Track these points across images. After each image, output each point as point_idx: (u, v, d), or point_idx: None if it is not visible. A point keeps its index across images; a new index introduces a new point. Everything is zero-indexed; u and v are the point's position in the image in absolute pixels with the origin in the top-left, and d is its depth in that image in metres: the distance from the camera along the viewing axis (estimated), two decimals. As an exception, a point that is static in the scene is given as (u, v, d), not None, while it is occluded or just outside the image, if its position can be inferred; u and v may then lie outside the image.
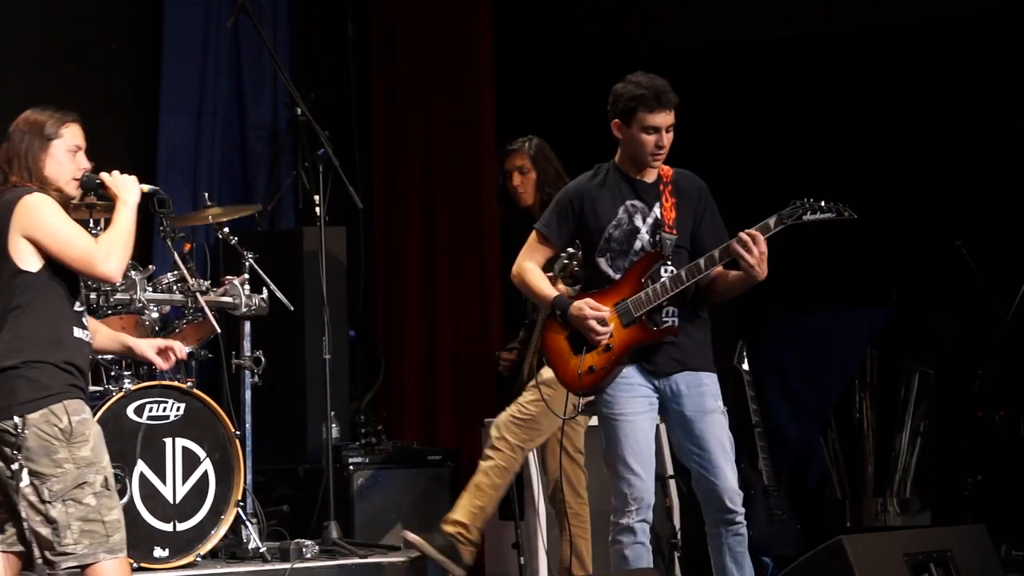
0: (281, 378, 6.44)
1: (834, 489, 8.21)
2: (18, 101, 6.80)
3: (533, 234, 5.01)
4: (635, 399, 4.81)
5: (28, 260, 4.16)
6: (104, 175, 4.34)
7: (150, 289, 5.84)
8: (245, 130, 7.69)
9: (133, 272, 5.81)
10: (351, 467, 6.69)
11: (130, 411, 5.53)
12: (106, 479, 4.15)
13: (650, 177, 4.90)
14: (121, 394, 5.53)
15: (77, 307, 4.27)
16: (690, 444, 4.83)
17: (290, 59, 7.81)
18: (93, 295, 5.73)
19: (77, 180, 4.31)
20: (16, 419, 4.10)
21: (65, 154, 4.29)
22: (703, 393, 4.84)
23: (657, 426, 4.95)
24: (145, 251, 6.94)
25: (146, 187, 4.39)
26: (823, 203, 4.77)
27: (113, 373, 5.82)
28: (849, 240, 7.87)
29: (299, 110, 6.58)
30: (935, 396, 8.09)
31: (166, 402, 5.59)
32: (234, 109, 7.64)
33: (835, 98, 8.04)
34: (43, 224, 4.16)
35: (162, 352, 4.49)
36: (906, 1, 7.77)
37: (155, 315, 5.85)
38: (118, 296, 5.75)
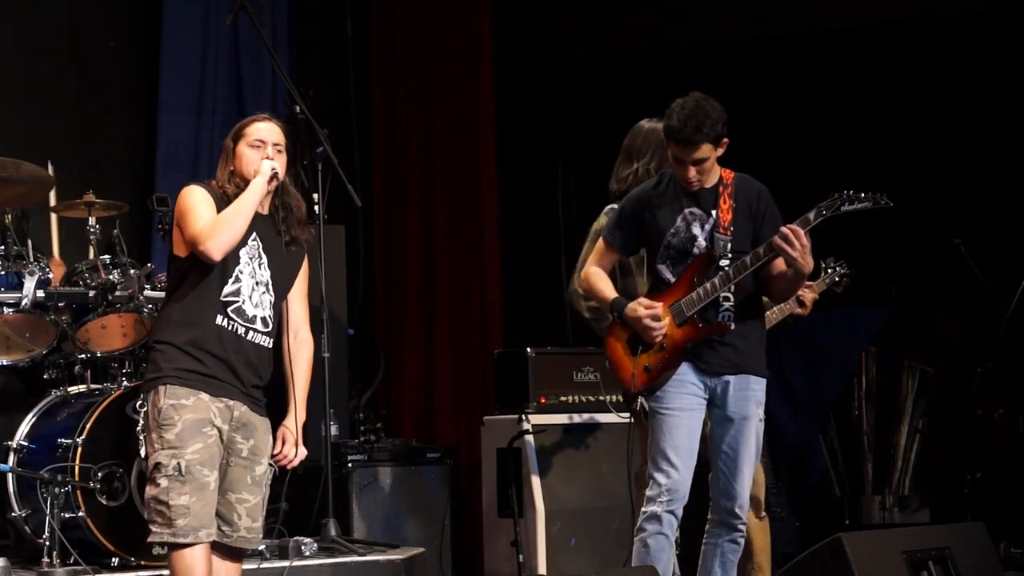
0: (280, 376, 6.42)
1: (833, 487, 8.22)
2: (18, 100, 6.86)
3: (600, 240, 5.10)
4: (684, 396, 4.85)
5: (178, 246, 4.48)
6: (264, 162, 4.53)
7: (149, 287, 5.84)
8: (244, 128, 7.67)
9: (132, 270, 5.82)
10: (350, 465, 6.70)
11: (129, 409, 5.50)
12: (180, 464, 4.31)
13: (710, 182, 4.93)
14: (120, 392, 5.52)
15: (227, 297, 4.43)
16: (722, 444, 4.89)
17: (289, 57, 7.82)
18: (92, 292, 5.73)
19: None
20: (143, 397, 4.47)
21: (248, 149, 4.55)
22: (748, 397, 4.88)
23: None
24: (144, 249, 6.96)
25: (277, 167, 4.52)
26: (862, 193, 4.80)
27: (111, 371, 5.82)
28: (849, 239, 7.87)
29: (298, 108, 6.56)
30: (934, 394, 8.10)
31: (165, 400, 5.57)
32: (233, 107, 7.63)
33: (835, 97, 8.05)
34: (179, 209, 4.47)
35: (284, 442, 4.62)
36: (907, 0, 7.77)
37: (154, 313, 5.83)
38: (117, 294, 5.75)
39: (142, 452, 4.44)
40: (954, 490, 7.31)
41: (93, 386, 5.80)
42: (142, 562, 5.43)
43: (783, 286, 4.93)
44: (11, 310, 5.68)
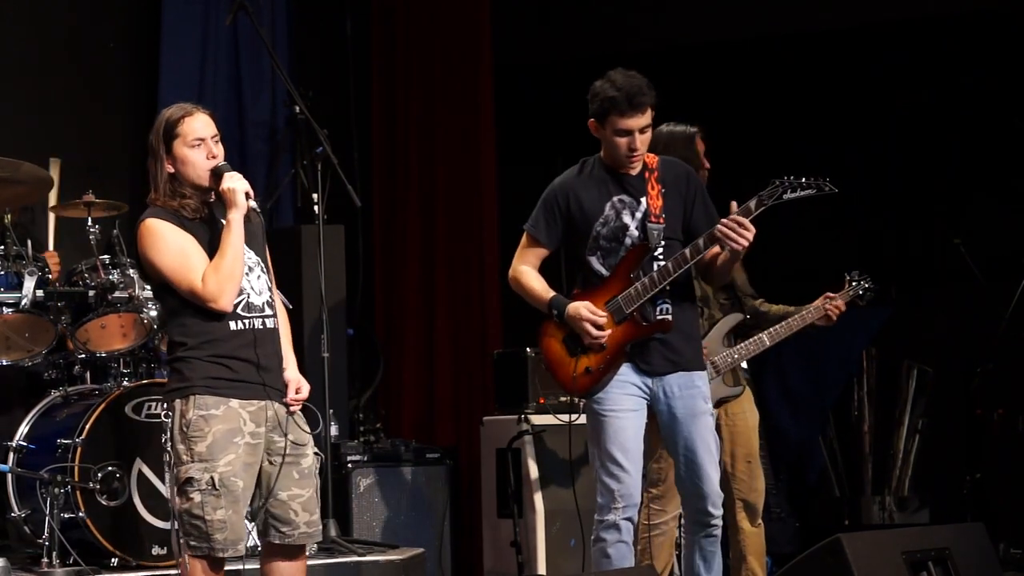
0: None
1: (833, 487, 8.21)
2: (18, 100, 6.86)
3: (524, 236, 4.93)
4: (626, 396, 4.75)
5: (157, 277, 4.33)
6: (226, 172, 4.32)
7: (148, 287, 5.83)
8: (244, 128, 7.69)
9: (132, 270, 5.82)
10: (350, 465, 6.70)
11: (128, 409, 5.52)
12: (213, 478, 4.20)
13: (635, 169, 4.80)
14: (119, 392, 5.53)
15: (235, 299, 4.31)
16: (677, 445, 4.80)
17: (289, 57, 7.81)
18: (92, 292, 5.73)
19: (210, 171, 4.35)
20: (166, 404, 4.30)
21: (190, 152, 4.32)
22: (694, 395, 4.79)
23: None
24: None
25: (252, 202, 4.34)
26: (804, 179, 4.71)
27: (111, 371, 5.82)
28: (848, 238, 7.87)
29: (297, 108, 6.57)
30: (934, 394, 8.09)
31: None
32: (233, 107, 7.63)
33: (835, 97, 8.04)
34: (153, 258, 4.28)
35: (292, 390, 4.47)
36: (908, 0, 7.77)
37: (153, 313, 5.84)
38: (117, 294, 5.75)
39: (166, 457, 4.30)
40: (954, 490, 7.30)
41: (93, 386, 5.80)
42: (140, 562, 5.45)
43: (720, 271, 4.83)
44: (11, 310, 5.69)
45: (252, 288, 4.36)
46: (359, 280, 7.66)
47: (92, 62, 7.30)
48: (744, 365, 5.70)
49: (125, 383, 5.65)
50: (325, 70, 8.17)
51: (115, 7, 7.50)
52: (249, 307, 4.35)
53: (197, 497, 4.21)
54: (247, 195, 4.31)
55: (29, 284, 5.68)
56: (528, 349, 6.68)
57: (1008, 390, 7.32)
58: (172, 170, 4.34)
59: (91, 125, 7.25)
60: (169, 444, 4.26)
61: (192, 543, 4.24)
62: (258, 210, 4.40)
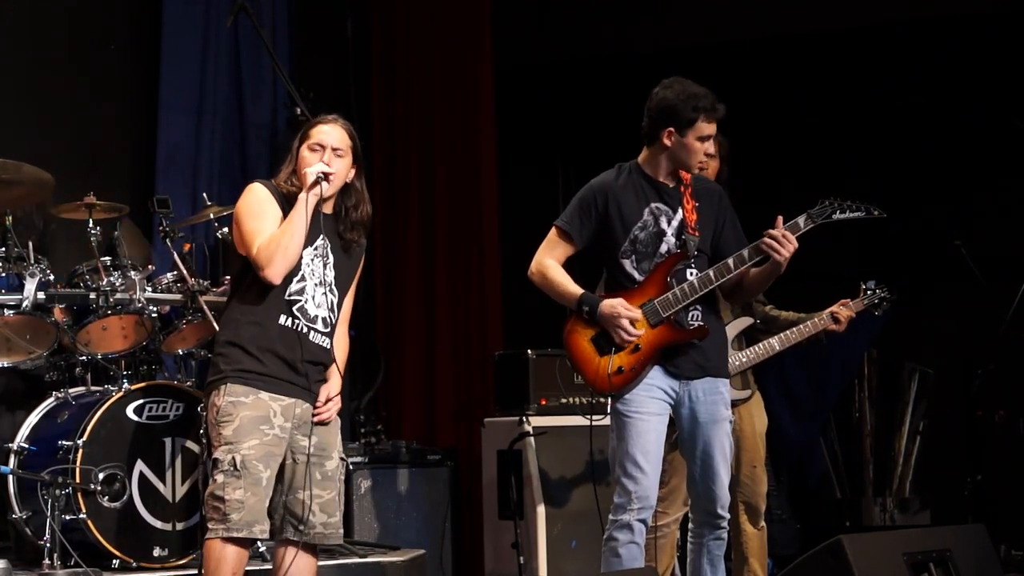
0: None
1: (834, 489, 8.22)
2: (19, 102, 6.85)
3: (553, 230, 4.94)
4: (652, 400, 4.79)
5: (238, 244, 4.50)
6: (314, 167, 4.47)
7: (149, 289, 5.84)
8: (244, 129, 7.68)
9: (133, 272, 5.81)
10: (350, 467, 6.69)
11: (130, 411, 5.52)
12: (235, 459, 4.32)
13: (671, 181, 4.86)
14: (121, 394, 5.52)
15: (292, 296, 4.44)
16: (695, 448, 4.84)
17: (289, 58, 7.81)
18: (93, 294, 5.73)
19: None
20: (203, 401, 4.47)
21: (307, 152, 4.51)
22: (717, 401, 4.84)
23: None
24: (144, 251, 6.94)
25: (325, 183, 4.44)
26: (852, 202, 4.78)
27: (112, 373, 5.82)
28: (848, 240, 7.86)
29: (298, 109, 6.56)
30: (935, 396, 8.10)
31: (165, 402, 5.58)
32: (233, 108, 7.63)
33: (835, 98, 8.04)
34: (239, 210, 4.49)
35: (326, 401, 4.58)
36: (907, 0, 7.77)
37: (154, 315, 5.84)
38: (118, 296, 5.75)
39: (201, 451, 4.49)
40: (955, 492, 7.31)
41: (94, 388, 5.80)
42: (141, 563, 5.45)
43: (750, 286, 4.89)
44: (12, 312, 5.68)
45: (312, 299, 4.48)
46: (360, 280, 7.65)
47: (92, 63, 7.29)
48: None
49: (126, 385, 5.64)
50: (325, 70, 8.17)
51: (115, 7, 7.50)
52: (303, 312, 4.46)
53: (220, 478, 4.34)
54: (322, 176, 4.41)
55: (30, 286, 5.67)
56: (529, 350, 6.68)
57: (1009, 391, 7.33)
58: (293, 168, 4.52)
59: (91, 126, 7.25)
60: (204, 438, 4.41)
61: (211, 525, 4.35)
62: (353, 237, 4.56)
